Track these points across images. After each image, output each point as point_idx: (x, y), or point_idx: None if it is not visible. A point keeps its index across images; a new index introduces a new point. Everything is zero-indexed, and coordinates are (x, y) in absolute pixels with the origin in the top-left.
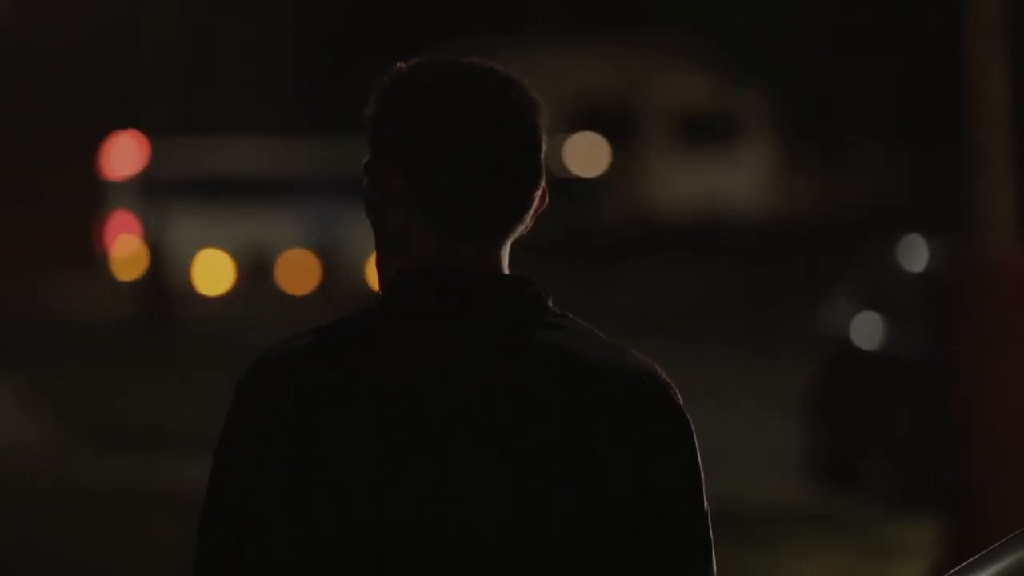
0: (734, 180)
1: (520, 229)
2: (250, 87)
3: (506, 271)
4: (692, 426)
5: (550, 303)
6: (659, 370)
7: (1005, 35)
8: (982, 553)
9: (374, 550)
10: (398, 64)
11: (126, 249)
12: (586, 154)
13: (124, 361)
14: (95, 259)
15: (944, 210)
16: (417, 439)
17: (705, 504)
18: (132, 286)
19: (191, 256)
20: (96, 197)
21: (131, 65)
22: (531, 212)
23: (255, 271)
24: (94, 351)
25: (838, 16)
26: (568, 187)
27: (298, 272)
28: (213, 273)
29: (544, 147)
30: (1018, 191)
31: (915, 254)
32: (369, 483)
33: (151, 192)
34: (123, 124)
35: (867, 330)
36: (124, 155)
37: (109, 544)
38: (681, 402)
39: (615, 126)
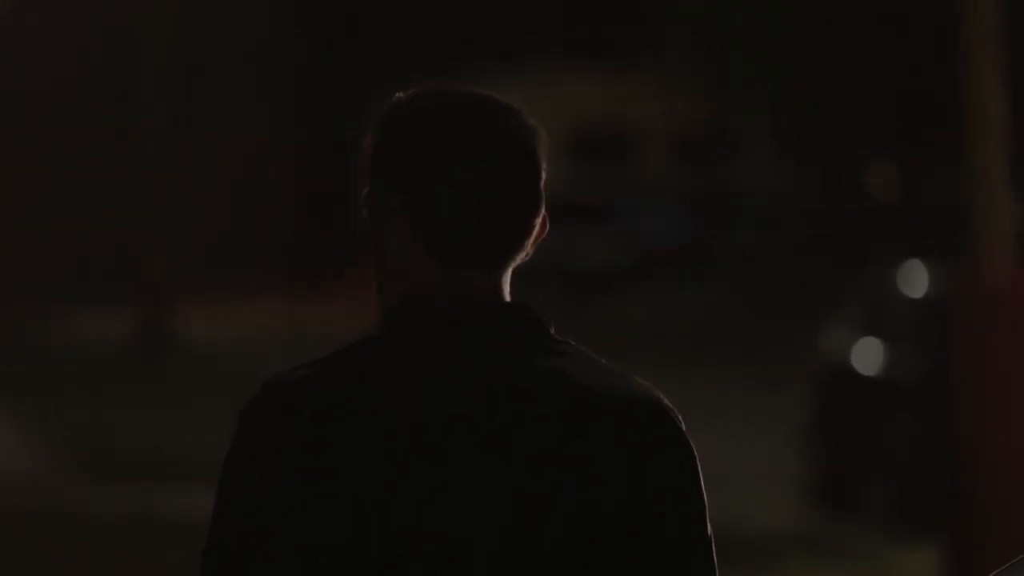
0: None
1: (520, 256)
2: None
3: (507, 299)
4: (695, 453)
5: (551, 330)
6: (662, 396)
7: (1002, 48)
8: None
9: (379, 555)
10: (397, 94)
11: None
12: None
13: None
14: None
15: (946, 228)
16: (418, 448)
17: (709, 530)
18: None
19: None
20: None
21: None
22: (532, 239)
23: None
24: None
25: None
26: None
27: None
28: None
29: (544, 174)
30: (1018, 209)
31: (915, 279)
32: (375, 495)
33: None
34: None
35: (867, 355)
36: None
37: (110, 573)
38: (684, 428)
39: (613, 148)
